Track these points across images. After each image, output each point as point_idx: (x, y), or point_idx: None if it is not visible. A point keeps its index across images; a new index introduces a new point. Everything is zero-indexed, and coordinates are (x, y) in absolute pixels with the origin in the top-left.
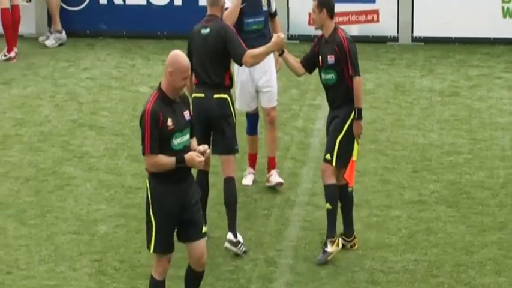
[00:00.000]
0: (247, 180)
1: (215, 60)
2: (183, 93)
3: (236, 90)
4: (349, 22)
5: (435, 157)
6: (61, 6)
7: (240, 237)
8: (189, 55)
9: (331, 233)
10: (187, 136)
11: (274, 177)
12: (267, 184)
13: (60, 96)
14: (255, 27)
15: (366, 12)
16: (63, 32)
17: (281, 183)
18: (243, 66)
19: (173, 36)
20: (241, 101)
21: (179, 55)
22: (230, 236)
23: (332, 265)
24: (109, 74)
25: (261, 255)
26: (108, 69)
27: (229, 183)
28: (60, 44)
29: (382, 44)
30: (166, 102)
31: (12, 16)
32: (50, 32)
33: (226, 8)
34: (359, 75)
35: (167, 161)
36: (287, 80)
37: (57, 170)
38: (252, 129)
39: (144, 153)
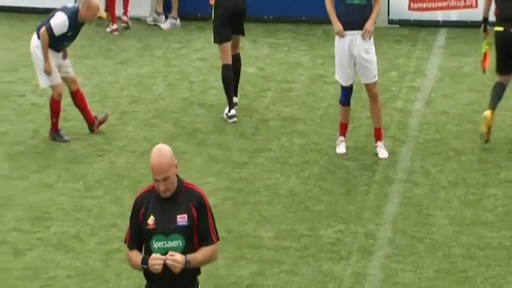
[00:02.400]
0: (341, 148)
1: None
2: (197, 195)
3: (336, 64)
4: (449, 8)
5: None
6: None
7: (233, 111)
8: None
9: None
10: (176, 243)
11: (380, 150)
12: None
13: (172, 75)
14: (357, 2)
15: None
16: (178, 19)
17: (384, 159)
18: (342, 44)
19: (278, 20)
20: (339, 75)
21: (153, 153)
22: (233, 111)
23: (430, 240)
24: (218, 55)
25: (361, 228)
26: (218, 51)
27: (238, 58)
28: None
29: (480, 29)
30: (157, 198)
31: None
32: (158, 14)
33: None
34: None
35: (137, 259)
36: (387, 63)
37: (169, 144)
38: (345, 100)
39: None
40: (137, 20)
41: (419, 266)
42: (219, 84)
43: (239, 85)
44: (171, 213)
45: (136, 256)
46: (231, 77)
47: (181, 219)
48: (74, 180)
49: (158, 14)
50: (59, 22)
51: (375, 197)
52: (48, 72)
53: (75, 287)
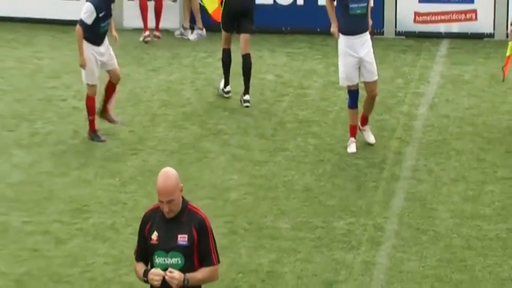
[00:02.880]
0: (352, 148)
1: None
2: (199, 218)
3: (340, 67)
4: (450, 20)
5: None
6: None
7: (248, 97)
8: None
9: None
10: (175, 260)
11: (367, 135)
12: (359, 130)
13: (199, 82)
14: (358, 12)
15: (466, 12)
16: (204, 29)
17: (372, 144)
18: (345, 47)
19: (295, 31)
20: (345, 76)
21: (160, 176)
22: (247, 97)
23: (433, 232)
24: (240, 63)
25: (370, 221)
26: (240, 59)
27: (248, 58)
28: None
29: (479, 40)
30: (162, 216)
31: (145, 5)
32: (184, 29)
33: None
34: None
35: (140, 271)
36: (394, 71)
37: (196, 144)
38: (352, 104)
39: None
40: (167, 31)
41: (423, 256)
42: (241, 89)
43: (249, 87)
44: (173, 232)
45: (141, 268)
46: (228, 58)
47: (182, 239)
48: (110, 176)
49: (185, 28)
50: (85, 11)
51: (382, 193)
52: (82, 66)
53: (111, 273)
